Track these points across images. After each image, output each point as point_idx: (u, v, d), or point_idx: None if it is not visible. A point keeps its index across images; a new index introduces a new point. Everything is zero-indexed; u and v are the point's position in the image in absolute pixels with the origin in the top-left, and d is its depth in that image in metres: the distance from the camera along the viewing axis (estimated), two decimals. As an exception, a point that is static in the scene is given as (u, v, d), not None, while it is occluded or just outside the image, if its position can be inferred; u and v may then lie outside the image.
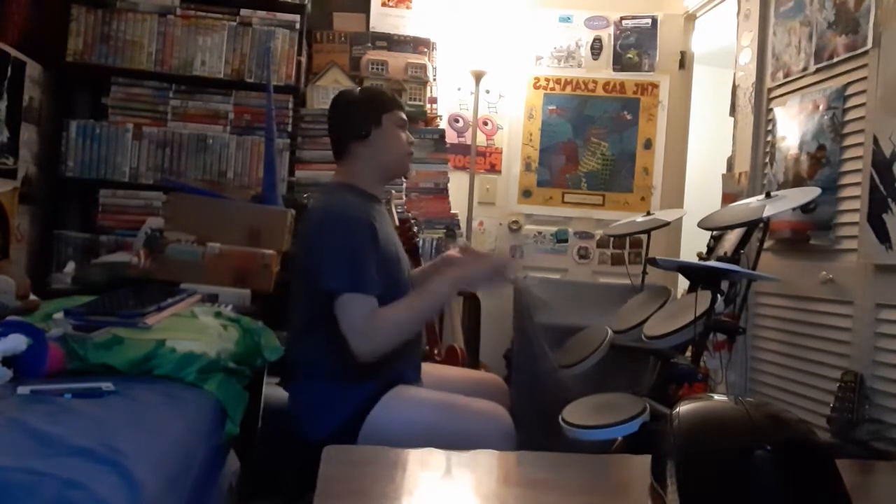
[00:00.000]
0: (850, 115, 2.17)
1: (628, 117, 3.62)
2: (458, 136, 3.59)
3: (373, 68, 3.28)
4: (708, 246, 2.46)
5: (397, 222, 2.80)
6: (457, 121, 3.60)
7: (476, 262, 1.97)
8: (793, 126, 2.44)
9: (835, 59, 2.25)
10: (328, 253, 1.78)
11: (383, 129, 1.93)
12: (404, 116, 1.98)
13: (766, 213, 2.07)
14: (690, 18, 3.59)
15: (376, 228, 1.84)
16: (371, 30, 3.44)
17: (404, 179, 3.14)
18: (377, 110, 1.93)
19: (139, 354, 1.61)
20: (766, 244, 2.32)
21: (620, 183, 3.62)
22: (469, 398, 1.85)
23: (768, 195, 2.19)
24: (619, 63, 3.63)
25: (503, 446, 1.62)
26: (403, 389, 1.83)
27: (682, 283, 2.74)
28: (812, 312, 2.27)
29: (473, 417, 1.77)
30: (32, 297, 1.93)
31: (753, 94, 2.71)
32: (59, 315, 1.66)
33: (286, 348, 1.94)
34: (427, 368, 2.05)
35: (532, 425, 2.38)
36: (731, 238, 2.29)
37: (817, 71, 2.34)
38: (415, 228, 2.83)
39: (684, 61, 3.62)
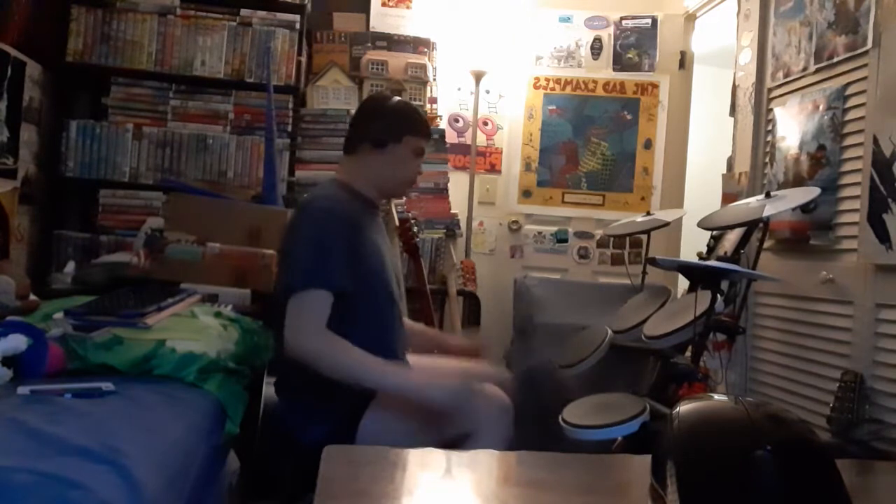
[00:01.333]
0: (850, 115, 2.17)
1: (628, 117, 3.62)
2: (458, 136, 3.59)
3: (373, 68, 3.28)
4: (708, 246, 2.46)
5: (397, 222, 2.80)
6: (457, 121, 3.60)
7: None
8: (793, 126, 2.44)
9: (835, 59, 2.24)
10: (297, 247, 1.75)
11: (399, 148, 1.89)
12: (425, 147, 1.96)
13: (766, 213, 2.07)
14: (690, 18, 3.58)
15: (358, 229, 1.81)
16: (371, 30, 3.44)
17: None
18: (403, 128, 1.90)
19: (139, 354, 1.62)
20: (766, 244, 2.32)
21: (620, 183, 3.62)
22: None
23: (768, 195, 2.19)
24: (619, 63, 3.62)
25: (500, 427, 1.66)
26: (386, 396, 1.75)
27: (682, 283, 2.74)
28: (812, 312, 2.27)
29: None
30: (32, 297, 1.94)
31: (753, 94, 2.70)
32: (59, 315, 1.67)
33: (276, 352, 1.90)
34: (425, 362, 2.01)
35: (532, 425, 2.38)
36: (731, 238, 2.29)
37: (817, 71, 2.34)
38: (415, 228, 2.83)
39: (684, 61, 3.61)
